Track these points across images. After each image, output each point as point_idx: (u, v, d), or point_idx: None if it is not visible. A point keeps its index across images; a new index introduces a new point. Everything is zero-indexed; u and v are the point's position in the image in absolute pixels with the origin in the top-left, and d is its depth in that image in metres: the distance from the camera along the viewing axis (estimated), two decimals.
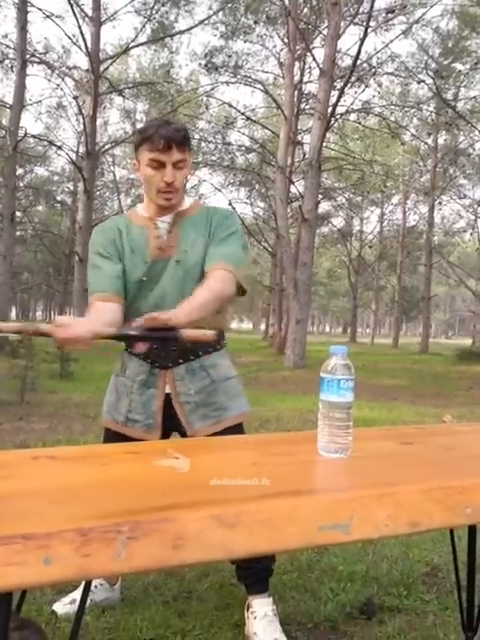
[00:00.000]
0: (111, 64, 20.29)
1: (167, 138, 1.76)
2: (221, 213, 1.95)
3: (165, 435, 1.93)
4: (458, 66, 23.62)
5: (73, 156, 22.21)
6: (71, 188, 32.61)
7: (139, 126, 26.94)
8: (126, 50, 20.35)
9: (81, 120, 19.11)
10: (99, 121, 22.28)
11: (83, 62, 25.87)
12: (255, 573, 2.00)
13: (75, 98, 19.75)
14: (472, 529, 1.74)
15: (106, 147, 23.84)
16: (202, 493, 0.99)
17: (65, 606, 2.04)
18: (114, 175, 32.12)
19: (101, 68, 18.75)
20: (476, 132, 22.47)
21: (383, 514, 0.97)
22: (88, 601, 2.07)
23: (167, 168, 1.80)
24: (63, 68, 20.79)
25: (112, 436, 1.95)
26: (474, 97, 22.43)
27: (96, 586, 2.13)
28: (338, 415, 1.25)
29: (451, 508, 1.03)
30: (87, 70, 18.41)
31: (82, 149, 21.47)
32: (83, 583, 0.98)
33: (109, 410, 1.98)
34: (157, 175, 1.81)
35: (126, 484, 1.05)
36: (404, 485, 1.04)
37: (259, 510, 0.90)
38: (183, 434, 1.90)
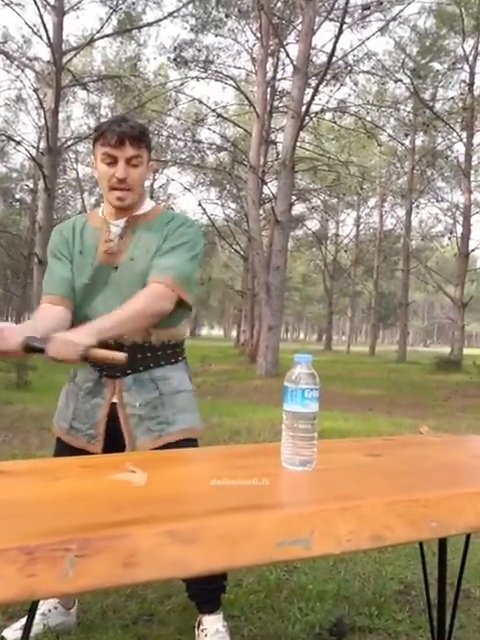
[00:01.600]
0: (74, 56, 20.15)
1: (120, 133, 1.78)
2: (178, 220, 1.92)
3: (109, 447, 1.87)
4: (436, 65, 24.09)
5: (33, 152, 22.03)
6: (31, 186, 32.32)
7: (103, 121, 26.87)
8: (91, 41, 20.26)
9: (42, 114, 18.93)
10: (61, 115, 22.11)
11: (44, 53, 25.73)
12: (208, 592, 2.02)
13: (36, 91, 19.62)
14: (442, 544, 1.76)
15: (68, 143, 23.70)
16: (157, 508, 0.99)
17: (16, 632, 2.02)
18: (77, 173, 31.95)
19: (64, 60, 18.62)
20: (454, 134, 22.91)
21: (345, 528, 0.99)
22: (42, 626, 2.05)
23: (119, 163, 1.80)
24: (23, 59, 20.64)
25: (61, 446, 1.96)
26: (452, 98, 22.88)
27: (50, 610, 2.10)
28: (302, 426, 1.26)
29: (415, 522, 1.05)
30: (48, 62, 18.27)
31: (43, 145, 21.29)
32: (30, 605, 0.98)
33: (58, 417, 2.01)
34: (110, 171, 1.82)
35: (78, 499, 1.05)
36: (367, 498, 1.06)
37: (216, 525, 0.91)
38: (123, 447, 1.86)
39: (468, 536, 1.68)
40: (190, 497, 1.09)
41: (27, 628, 0.98)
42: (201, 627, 2.01)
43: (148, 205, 1.96)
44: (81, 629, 2.12)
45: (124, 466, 1.24)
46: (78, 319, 1.83)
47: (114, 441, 1.87)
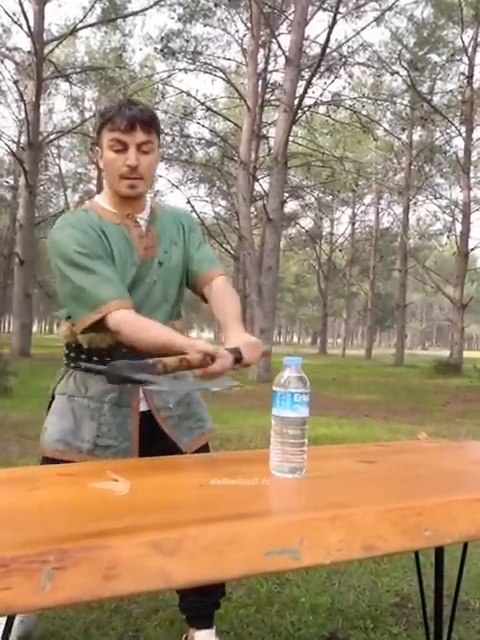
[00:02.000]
0: (56, 46, 20.17)
1: (130, 117, 1.74)
2: (186, 216, 2.03)
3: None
4: (434, 57, 24.20)
5: (13, 147, 21.91)
6: (11, 182, 32.17)
7: (87, 115, 26.83)
8: (73, 31, 20.25)
9: (22, 107, 18.93)
10: (43, 108, 22.08)
11: (25, 43, 25.62)
12: (204, 606, 2.01)
13: (15, 83, 19.52)
14: (439, 554, 1.77)
15: (51, 137, 23.62)
16: (139, 518, 0.99)
17: None
18: (59, 169, 31.85)
19: (45, 50, 18.61)
20: (453, 128, 23.02)
21: (335, 538, 0.99)
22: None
23: (130, 150, 1.76)
24: (2, 49, 20.57)
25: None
26: (451, 90, 23.01)
27: (21, 620, 2.06)
28: (291, 431, 1.27)
29: (408, 530, 1.05)
30: (29, 52, 18.25)
31: (23, 139, 21.23)
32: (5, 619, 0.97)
33: (63, 438, 1.83)
34: (119, 159, 1.76)
35: (56, 509, 1.05)
36: (359, 506, 1.06)
37: (201, 535, 0.91)
38: (170, 452, 1.84)
39: (465, 545, 1.69)
40: (174, 506, 1.09)
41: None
42: None
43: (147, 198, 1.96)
44: None
45: (105, 474, 1.24)
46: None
47: (146, 449, 1.83)
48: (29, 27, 17.57)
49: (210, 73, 21.85)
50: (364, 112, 21.83)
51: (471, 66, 22.08)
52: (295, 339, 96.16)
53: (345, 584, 2.74)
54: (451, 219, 26.57)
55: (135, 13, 20.98)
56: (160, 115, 25.26)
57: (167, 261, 1.89)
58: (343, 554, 0.99)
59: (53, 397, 1.92)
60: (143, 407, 1.86)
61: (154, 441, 1.85)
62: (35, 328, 59.77)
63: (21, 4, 16.97)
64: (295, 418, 1.26)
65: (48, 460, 1.81)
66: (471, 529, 1.14)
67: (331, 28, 13.71)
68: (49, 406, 1.93)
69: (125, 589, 0.86)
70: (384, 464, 1.50)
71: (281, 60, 18.03)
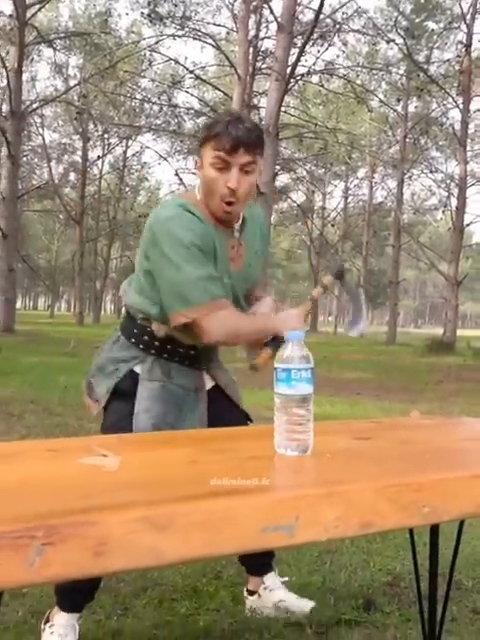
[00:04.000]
0: (39, 10, 19.81)
1: (236, 139, 1.73)
2: (262, 219, 2.13)
3: None
4: (431, 25, 23.99)
5: None
6: None
7: (72, 83, 26.46)
8: None
9: (4, 74, 18.61)
10: (25, 76, 21.77)
11: (6, 6, 25.15)
12: (265, 555, 2.25)
13: None
14: (434, 533, 1.78)
15: (34, 106, 23.32)
16: (130, 494, 0.98)
17: None
18: (43, 139, 31.44)
19: (27, 14, 18.27)
20: (450, 99, 22.89)
21: (332, 514, 0.99)
22: None
23: (232, 171, 1.76)
24: None
25: None
26: (448, 60, 22.84)
27: None
28: (295, 409, 1.26)
29: (406, 507, 1.05)
30: (11, 16, 17.93)
31: (5, 108, 20.92)
32: None
33: (157, 423, 1.89)
34: (221, 178, 1.77)
35: (44, 485, 1.04)
36: (355, 483, 1.06)
37: (194, 511, 0.91)
38: (240, 424, 2.02)
39: (461, 524, 1.70)
40: (166, 482, 1.08)
41: None
42: (264, 585, 2.27)
43: None
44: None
45: (94, 450, 1.23)
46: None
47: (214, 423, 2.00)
48: None
49: (199, 40, 21.53)
50: (358, 82, 21.70)
51: (469, 34, 21.84)
52: None
53: (337, 563, 2.76)
54: (446, 194, 26.50)
55: None
56: (147, 84, 25.06)
57: (249, 273, 1.99)
58: (340, 531, 0.99)
59: (121, 380, 1.94)
60: (209, 385, 2.04)
61: (221, 417, 1.97)
62: (19, 304, 59.56)
63: None
64: (298, 395, 1.26)
65: None
66: (470, 506, 1.14)
67: None
68: (114, 391, 1.95)
69: (116, 566, 0.85)
70: (379, 441, 1.50)
71: (273, 26, 17.82)
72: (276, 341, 1.77)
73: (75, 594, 1.97)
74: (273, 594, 2.26)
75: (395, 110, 27.20)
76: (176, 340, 1.92)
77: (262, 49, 20.98)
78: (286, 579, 2.36)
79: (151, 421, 1.88)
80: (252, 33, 18.90)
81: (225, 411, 2.04)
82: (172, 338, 1.91)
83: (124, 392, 1.91)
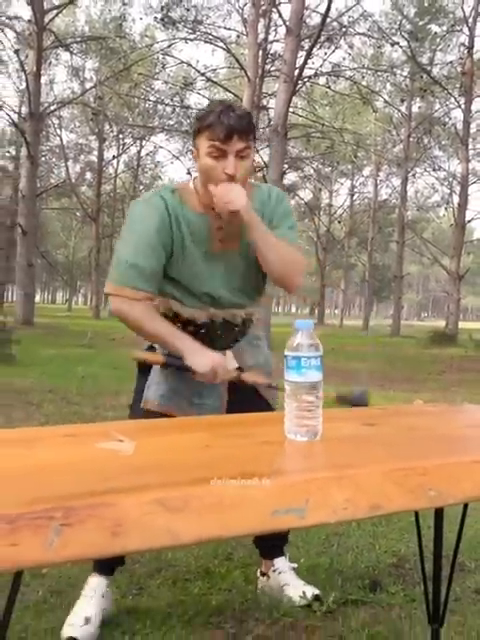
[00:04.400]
0: (57, 15, 19.81)
1: (229, 127, 1.74)
2: (274, 195, 2.01)
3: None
4: (434, 28, 23.82)
5: (15, 117, 21.64)
6: (13, 153, 31.88)
7: (88, 85, 26.43)
8: (73, 0, 19.86)
9: (23, 77, 18.64)
10: (44, 79, 21.76)
11: (25, 12, 25.14)
12: (277, 539, 2.28)
13: (16, 52, 19.20)
14: (439, 515, 1.77)
15: (52, 108, 23.35)
16: (146, 477, 0.98)
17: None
18: (61, 139, 31.49)
19: (46, 19, 18.27)
20: (452, 99, 22.73)
21: (341, 497, 0.98)
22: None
23: (229, 158, 1.77)
24: (2, 18, 20.20)
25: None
26: (451, 62, 22.67)
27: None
28: (305, 396, 1.25)
29: (413, 490, 1.04)
30: (29, 21, 17.94)
31: (25, 109, 20.94)
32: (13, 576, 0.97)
33: (166, 394, 1.95)
34: (218, 166, 1.78)
35: (62, 468, 1.03)
36: (364, 467, 1.05)
37: (207, 493, 0.90)
38: (262, 410, 1.93)
39: (465, 507, 1.68)
40: (180, 466, 1.08)
41: (11, 600, 0.97)
42: (273, 568, 2.29)
43: None
44: (68, 603, 2.13)
45: (110, 435, 1.23)
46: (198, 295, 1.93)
47: (238, 409, 1.90)
48: None
49: (211, 43, 21.44)
50: (364, 83, 21.54)
51: (471, 37, 21.72)
52: (293, 309, 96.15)
53: (343, 546, 2.76)
54: (449, 191, 26.41)
55: None
56: (160, 86, 25.01)
57: (249, 252, 1.92)
58: (349, 513, 0.98)
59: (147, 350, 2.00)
60: (231, 365, 1.98)
61: (244, 401, 1.90)
62: (38, 298, 59.75)
63: None
64: (307, 382, 1.24)
65: (150, 414, 1.93)
66: (474, 490, 1.13)
67: None
68: (141, 367, 2.01)
69: (132, 546, 0.85)
70: (385, 427, 1.49)
71: (281, 30, 17.69)
72: (175, 359, 1.81)
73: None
74: (281, 577, 2.29)
75: (399, 110, 27.06)
76: (181, 318, 1.93)
77: (271, 52, 20.85)
78: (295, 565, 2.37)
79: (160, 392, 1.96)
80: (261, 36, 18.79)
81: (245, 396, 1.96)
82: (177, 314, 1.93)
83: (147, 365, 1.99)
